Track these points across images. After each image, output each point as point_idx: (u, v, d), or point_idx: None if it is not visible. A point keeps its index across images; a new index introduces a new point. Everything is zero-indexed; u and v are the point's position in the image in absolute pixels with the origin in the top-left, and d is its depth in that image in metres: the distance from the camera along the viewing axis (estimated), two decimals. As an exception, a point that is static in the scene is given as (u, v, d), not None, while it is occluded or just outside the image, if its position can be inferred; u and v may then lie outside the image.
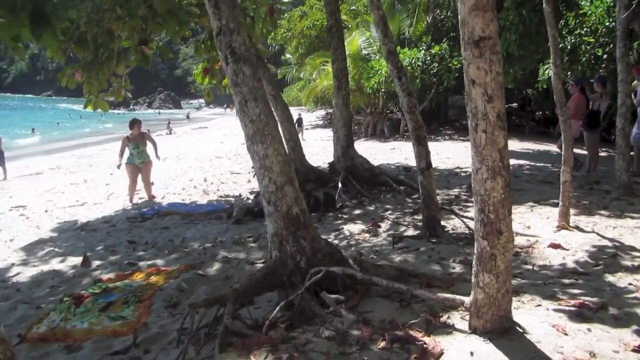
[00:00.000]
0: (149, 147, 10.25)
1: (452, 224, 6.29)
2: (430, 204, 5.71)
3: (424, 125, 5.77)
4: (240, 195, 10.40)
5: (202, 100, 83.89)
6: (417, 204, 7.64)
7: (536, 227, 5.93)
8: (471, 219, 5.91)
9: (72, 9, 7.45)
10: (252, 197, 9.63)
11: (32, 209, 10.14)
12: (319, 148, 18.70)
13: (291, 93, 38.88)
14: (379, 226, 6.76)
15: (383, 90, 19.89)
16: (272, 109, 4.55)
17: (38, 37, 5.30)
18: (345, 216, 7.63)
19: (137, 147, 9.99)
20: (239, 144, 22.14)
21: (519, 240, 5.30)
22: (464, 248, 5.21)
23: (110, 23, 7.49)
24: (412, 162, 12.89)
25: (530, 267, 4.57)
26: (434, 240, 5.57)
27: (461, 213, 6.62)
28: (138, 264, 5.97)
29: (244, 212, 8.11)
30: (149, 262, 5.99)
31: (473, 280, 3.13)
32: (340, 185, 8.50)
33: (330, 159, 10.13)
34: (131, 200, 10.06)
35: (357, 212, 7.79)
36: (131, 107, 76.94)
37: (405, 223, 6.66)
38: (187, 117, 49.37)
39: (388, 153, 15.87)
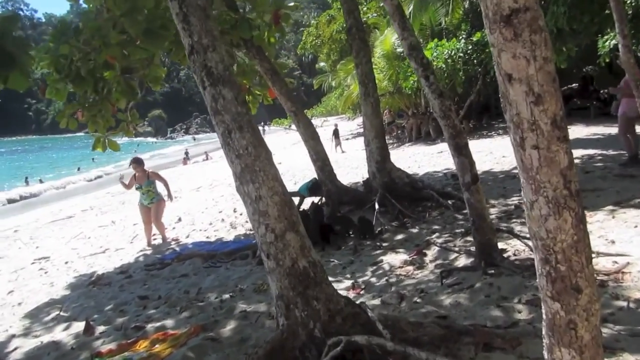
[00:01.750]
0: (160, 186, 9.80)
1: (513, 246, 5.39)
2: (482, 226, 4.85)
3: (463, 131, 4.94)
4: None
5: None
6: (468, 221, 6.77)
7: (622, 240, 4.95)
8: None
9: (63, 44, 7.11)
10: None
11: (54, 260, 9.93)
12: (360, 160, 17.89)
13: (329, 102, 38.57)
14: (425, 254, 5.96)
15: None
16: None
17: (4, 79, 4.85)
18: (385, 244, 6.88)
19: (140, 187, 9.57)
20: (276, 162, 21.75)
21: (602, 263, 4.35)
22: (530, 280, 4.32)
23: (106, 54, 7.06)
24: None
25: (624, 303, 3.62)
26: (492, 271, 4.72)
27: (523, 231, 5.70)
28: (145, 327, 5.40)
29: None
30: (158, 324, 5.41)
31: (546, 357, 2.28)
32: (377, 206, 7.72)
33: (372, 172, 9.40)
34: (149, 244, 9.64)
35: (398, 237, 7.01)
36: (169, 135, 78.87)
37: (456, 249, 5.81)
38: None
39: (435, 158, 14.96)
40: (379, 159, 8.48)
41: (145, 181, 9.53)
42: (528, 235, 5.36)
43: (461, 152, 4.89)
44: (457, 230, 6.66)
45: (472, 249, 5.56)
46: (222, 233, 9.89)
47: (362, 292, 5.27)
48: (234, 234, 9.66)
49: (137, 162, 9.75)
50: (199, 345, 4.52)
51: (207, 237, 9.65)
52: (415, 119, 21.80)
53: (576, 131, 14.56)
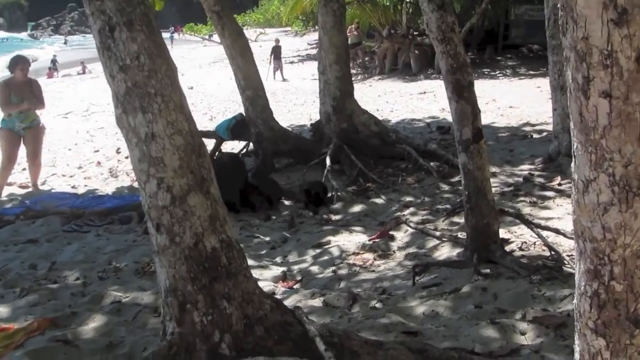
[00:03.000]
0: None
1: (519, 236, 5.32)
2: (479, 204, 4.72)
3: (468, 63, 4.71)
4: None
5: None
6: (458, 194, 6.68)
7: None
8: (553, 229, 4.96)
9: None
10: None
11: None
12: (307, 94, 17.58)
13: (270, 8, 37.98)
14: (392, 237, 5.84)
15: (408, 0, 18.88)
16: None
17: None
18: (335, 217, 6.74)
19: (20, 101, 8.70)
20: (184, 87, 21.21)
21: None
22: (541, 287, 4.23)
23: None
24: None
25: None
26: (487, 270, 4.64)
27: (534, 215, 5.65)
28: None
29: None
30: (-19, 313, 5.06)
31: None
32: (328, 162, 7.50)
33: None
34: None
35: (355, 209, 6.90)
36: (29, 31, 75.87)
37: (438, 233, 5.69)
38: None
39: (415, 101, 14.91)
40: (338, 94, 8.23)
41: (27, 93, 8.68)
42: (542, 223, 5.34)
43: (462, 95, 4.67)
44: (439, 207, 6.57)
45: (461, 235, 5.44)
46: (96, 183, 9.51)
47: (296, 286, 5.10)
48: (114, 185, 9.29)
49: (26, 63, 8.91)
50: (43, 350, 4.23)
51: (73, 187, 9.24)
52: (391, 42, 21.68)
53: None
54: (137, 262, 5.95)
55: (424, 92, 15.92)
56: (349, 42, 23.78)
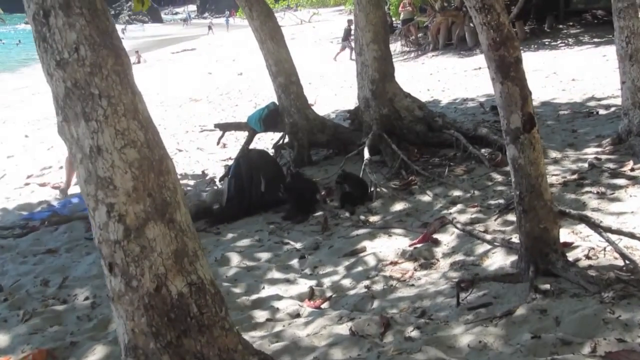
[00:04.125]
0: None
1: (585, 238, 4.51)
2: (533, 205, 3.93)
3: (513, 37, 3.92)
4: (205, 172, 8.91)
5: (191, 7, 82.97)
6: (511, 183, 5.89)
7: None
8: (627, 233, 4.10)
9: None
10: (221, 175, 8.13)
11: None
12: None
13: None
14: (437, 242, 5.09)
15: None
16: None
17: None
18: (374, 217, 6.03)
19: None
20: (233, 73, 20.87)
21: None
22: (614, 309, 3.41)
23: None
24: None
25: None
26: (547, 286, 3.87)
27: (603, 209, 4.87)
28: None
29: (192, 213, 6.53)
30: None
31: None
32: (366, 153, 6.76)
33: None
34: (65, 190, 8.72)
35: (396, 207, 6.18)
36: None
37: (489, 237, 4.89)
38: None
39: (470, 78, 14.03)
40: (377, 76, 7.47)
41: None
42: (613, 221, 4.49)
43: (508, 74, 3.87)
44: (491, 202, 5.75)
45: (515, 238, 4.65)
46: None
47: (325, 304, 4.45)
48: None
49: None
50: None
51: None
52: (444, 16, 20.82)
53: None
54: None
55: (479, 68, 14.92)
56: (401, 18, 23.24)
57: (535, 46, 17.87)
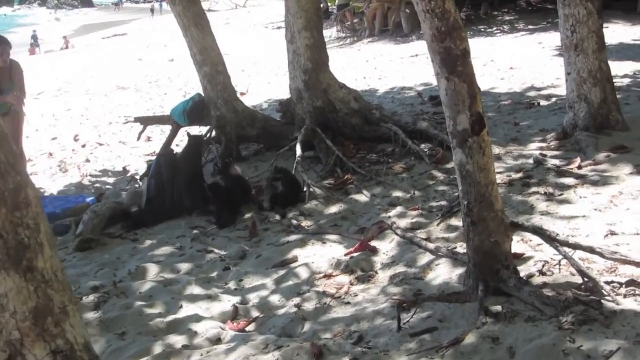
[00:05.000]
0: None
1: (536, 248, 4.09)
2: (484, 218, 3.47)
3: (461, 25, 3.43)
4: (126, 169, 8.22)
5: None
6: (455, 186, 5.45)
7: None
8: (587, 248, 3.67)
9: None
10: (141, 174, 7.46)
11: None
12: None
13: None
14: (375, 250, 4.60)
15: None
16: None
17: None
18: (306, 221, 5.51)
19: None
20: (164, 60, 20.04)
21: None
22: (575, 337, 2.98)
23: None
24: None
25: None
26: (498, 308, 3.39)
27: (553, 213, 4.57)
28: None
29: (103, 220, 5.87)
30: None
31: None
32: (298, 149, 6.24)
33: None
34: None
35: (332, 209, 5.69)
36: (16, 6, 74.57)
37: (432, 245, 4.42)
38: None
39: (406, 65, 13.67)
40: (309, 66, 6.92)
41: (5, 77, 7.12)
42: (564, 225, 4.08)
43: (454, 69, 3.38)
44: (433, 204, 5.30)
45: (460, 248, 4.21)
46: (41, 179, 8.29)
47: (250, 326, 3.90)
48: (62, 182, 8.11)
49: (6, 46, 7.26)
50: None
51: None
52: (380, 2, 20.54)
53: (617, 32, 13.52)
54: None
55: (416, 55, 14.59)
56: (336, 3, 22.82)
57: (471, 32, 17.63)
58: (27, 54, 32.26)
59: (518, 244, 4.06)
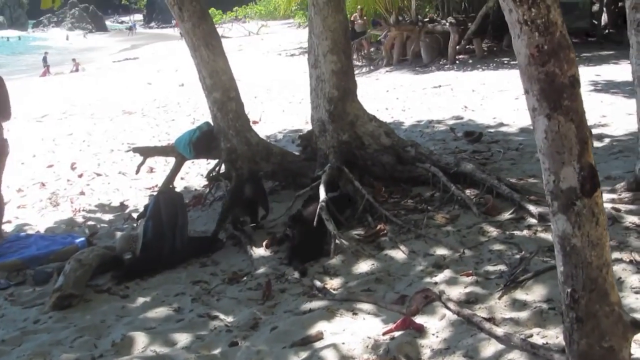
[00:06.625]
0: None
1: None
2: (594, 312, 2.50)
3: (570, 43, 2.49)
4: (124, 204, 7.28)
5: (137, 16, 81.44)
6: (513, 245, 4.45)
7: None
8: None
9: None
10: (138, 214, 6.49)
11: None
12: (307, 90, 15.53)
13: (271, 1, 36.95)
14: (421, 330, 3.58)
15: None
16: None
17: None
18: (332, 281, 4.50)
19: None
20: (174, 84, 19.31)
21: None
22: None
23: None
24: (478, 115, 9.63)
25: None
26: None
27: None
28: None
29: (89, 271, 4.92)
30: None
31: None
32: (322, 193, 5.25)
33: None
34: None
35: (362, 267, 4.65)
36: (31, 29, 74.94)
37: (500, 332, 3.40)
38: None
39: (430, 96, 12.75)
40: (335, 94, 5.98)
41: None
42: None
43: (559, 104, 2.42)
44: (489, 268, 4.28)
45: (538, 337, 3.22)
46: (30, 213, 7.39)
47: None
48: (52, 217, 7.18)
49: None
50: None
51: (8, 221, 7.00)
52: (399, 30, 19.85)
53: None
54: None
55: (439, 86, 13.73)
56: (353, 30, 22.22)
57: (494, 64, 16.94)
58: (39, 75, 31.95)
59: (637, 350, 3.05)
